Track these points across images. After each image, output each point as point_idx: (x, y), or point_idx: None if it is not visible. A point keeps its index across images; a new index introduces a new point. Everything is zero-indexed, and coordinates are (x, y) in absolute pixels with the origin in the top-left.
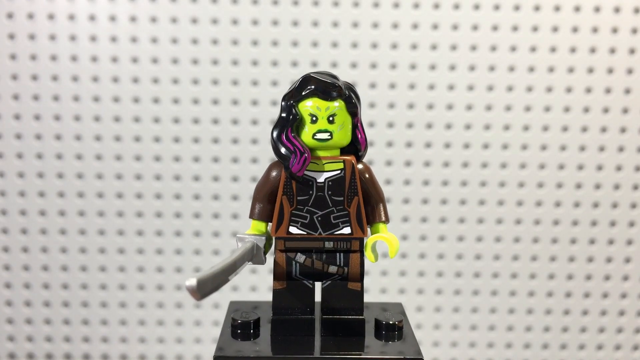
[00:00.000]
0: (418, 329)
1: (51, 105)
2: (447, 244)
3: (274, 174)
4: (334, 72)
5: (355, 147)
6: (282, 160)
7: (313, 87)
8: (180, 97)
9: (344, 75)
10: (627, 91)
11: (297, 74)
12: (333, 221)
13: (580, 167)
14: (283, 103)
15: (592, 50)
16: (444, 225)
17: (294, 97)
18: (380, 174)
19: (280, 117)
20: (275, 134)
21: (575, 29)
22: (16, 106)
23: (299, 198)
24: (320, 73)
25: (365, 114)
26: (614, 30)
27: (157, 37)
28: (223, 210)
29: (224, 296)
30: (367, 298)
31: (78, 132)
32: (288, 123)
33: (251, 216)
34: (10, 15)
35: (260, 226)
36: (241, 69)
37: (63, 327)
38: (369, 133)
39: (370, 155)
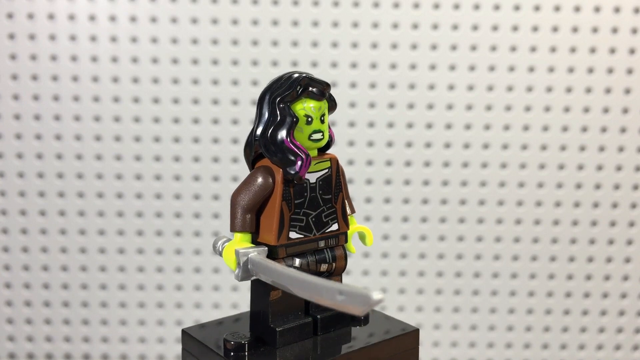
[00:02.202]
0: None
1: (51, 105)
2: (447, 244)
3: (264, 180)
4: (335, 72)
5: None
6: (285, 165)
7: (309, 87)
8: (180, 97)
9: (344, 75)
10: (627, 91)
11: None
12: (324, 220)
13: (580, 167)
14: (280, 106)
15: (592, 50)
16: (444, 225)
17: (289, 98)
18: (380, 174)
19: (278, 121)
20: (278, 138)
21: (575, 29)
22: (16, 106)
23: (296, 202)
24: (300, 72)
25: (365, 114)
26: (614, 30)
27: (157, 37)
28: (223, 210)
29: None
30: None
31: (78, 132)
32: (291, 126)
33: (241, 229)
34: (10, 15)
35: (248, 238)
36: (241, 69)
37: (63, 327)
38: (370, 133)
39: (370, 155)
